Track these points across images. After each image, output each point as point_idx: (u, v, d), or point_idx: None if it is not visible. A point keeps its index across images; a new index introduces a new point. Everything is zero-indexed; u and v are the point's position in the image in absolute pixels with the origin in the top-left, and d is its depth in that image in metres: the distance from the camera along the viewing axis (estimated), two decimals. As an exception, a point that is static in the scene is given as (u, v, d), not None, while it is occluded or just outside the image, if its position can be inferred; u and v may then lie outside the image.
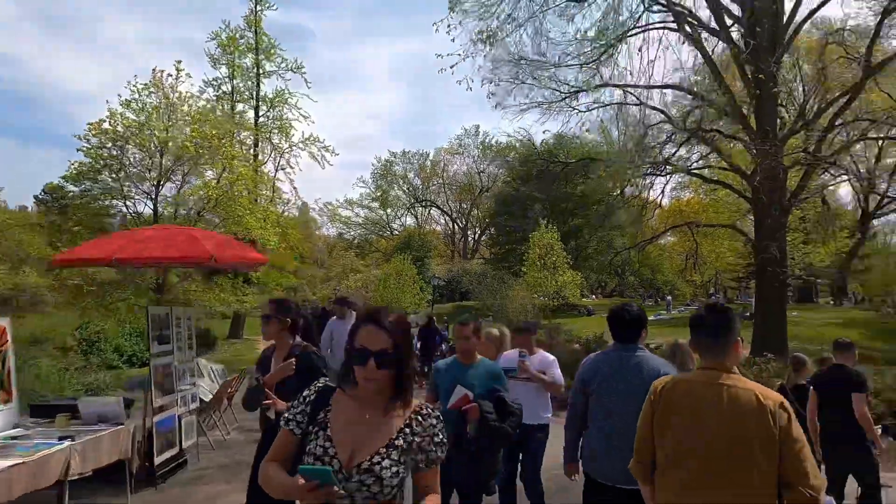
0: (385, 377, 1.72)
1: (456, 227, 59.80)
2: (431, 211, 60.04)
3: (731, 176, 17.63)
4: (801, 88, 24.44)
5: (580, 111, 17.96)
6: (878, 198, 37.60)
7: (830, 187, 28.45)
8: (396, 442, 1.73)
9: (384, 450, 1.71)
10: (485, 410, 3.52)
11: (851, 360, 5.12)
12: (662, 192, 35.39)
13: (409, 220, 59.39)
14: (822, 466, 4.97)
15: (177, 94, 14.65)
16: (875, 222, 40.15)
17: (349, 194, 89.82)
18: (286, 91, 22.60)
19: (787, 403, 2.16)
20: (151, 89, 14.35)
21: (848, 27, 17.97)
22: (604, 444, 3.22)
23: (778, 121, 16.45)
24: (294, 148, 22.99)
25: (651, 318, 27.46)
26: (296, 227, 22.81)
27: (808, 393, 5.36)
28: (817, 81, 17.31)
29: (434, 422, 1.80)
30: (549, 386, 4.62)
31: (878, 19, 15.69)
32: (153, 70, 14.63)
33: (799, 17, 15.99)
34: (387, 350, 1.69)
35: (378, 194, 56.91)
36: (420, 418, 1.79)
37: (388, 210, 58.26)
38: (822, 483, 2.12)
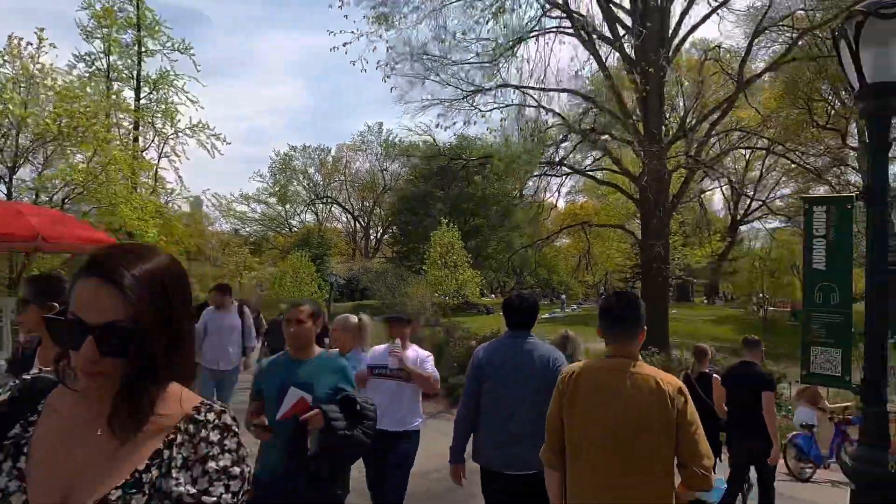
0: (117, 368, 1.00)
1: (358, 225, 58.83)
2: (332, 208, 58.66)
3: (621, 179, 18.53)
4: (682, 102, 26.44)
5: (482, 111, 18.15)
6: (746, 206, 41.64)
7: (707, 192, 30.99)
8: (145, 476, 1.01)
9: (119, 493, 0.98)
10: (330, 417, 2.77)
11: (759, 356, 5.44)
12: (558, 191, 37.09)
13: (309, 217, 57.68)
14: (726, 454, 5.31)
15: (38, 66, 13.02)
16: (742, 228, 44.55)
17: (245, 189, 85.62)
18: (172, 72, 20.91)
19: (684, 388, 2.28)
20: (6, 58, 12.65)
21: (723, 46, 19.58)
22: (496, 430, 3.20)
23: (663, 128, 17.55)
24: (180, 134, 21.32)
25: (546, 315, 28.65)
26: (180, 220, 21.09)
27: (711, 380, 5.72)
28: (696, 95, 18.72)
29: (215, 435, 1.08)
30: (424, 382, 4.12)
31: (748, 40, 17.17)
32: (9, 37, 12.91)
33: (684, 30, 17.11)
34: (117, 323, 0.98)
35: (276, 189, 54.67)
36: (192, 430, 1.07)
37: (287, 206, 56.15)
38: (712, 461, 2.24)
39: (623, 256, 34.32)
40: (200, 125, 21.78)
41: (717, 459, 5.37)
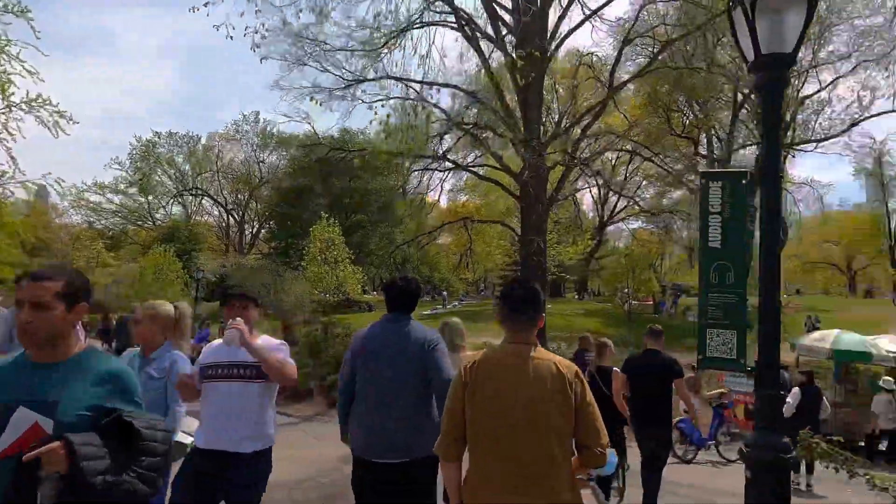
0: None
1: (231, 219, 55.31)
2: (203, 201, 54.67)
3: (501, 176, 18.86)
4: (556, 107, 27.71)
5: (364, 101, 17.57)
6: (612, 208, 44.82)
7: (579, 193, 32.87)
8: None
9: None
10: (81, 454, 1.73)
11: (662, 345, 5.54)
12: (441, 187, 37.50)
13: (177, 210, 53.32)
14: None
15: None
16: (609, 229, 47.96)
17: (101, 177, 77.49)
18: (3, 37, 18.10)
19: (580, 373, 2.32)
20: None
21: (596, 55, 20.65)
22: (375, 417, 3.06)
23: (541, 128, 18.09)
24: (14, 109, 18.51)
25: (427, 312, 28.71)
26: (9, 207, 18.33)
27: (611, 374, 5.83)
28: (571, 98, 19.62)
29: None
30: (277, 369, 3.01)
31: (619, 48, 18.16)
32: None
33: (561, 34, 17.70)
34: None
35: (137, 178, 49.84)
36: None
37: (150, 197, 51.45)
38: (608, 438, 2.31)
39: (502, 253, 35.34)
40: (40, 100, 19.08)
41: (621, 451, 5.69)
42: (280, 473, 3.42)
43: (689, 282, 46.12)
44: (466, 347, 4.76)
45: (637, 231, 45.05)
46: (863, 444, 10.58)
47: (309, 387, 11.53)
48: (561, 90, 28.75)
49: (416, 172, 22.20)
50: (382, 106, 16.91)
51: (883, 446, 10.35)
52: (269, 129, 50.43)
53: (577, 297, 46.75)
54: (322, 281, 27.27)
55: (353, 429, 3.17)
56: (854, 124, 30.32)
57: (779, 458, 2.44)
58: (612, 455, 3.97)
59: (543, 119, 21.60)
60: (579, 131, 17.25)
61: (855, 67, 28.30)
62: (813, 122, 31.30)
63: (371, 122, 17.43)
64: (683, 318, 30.71)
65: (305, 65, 16.88)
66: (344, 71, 17.16)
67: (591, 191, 42.87)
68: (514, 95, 17.65)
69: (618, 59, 18.14)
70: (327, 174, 37.99)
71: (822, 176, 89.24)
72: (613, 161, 37.31)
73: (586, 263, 36.97)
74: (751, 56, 2.64)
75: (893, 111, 29.10)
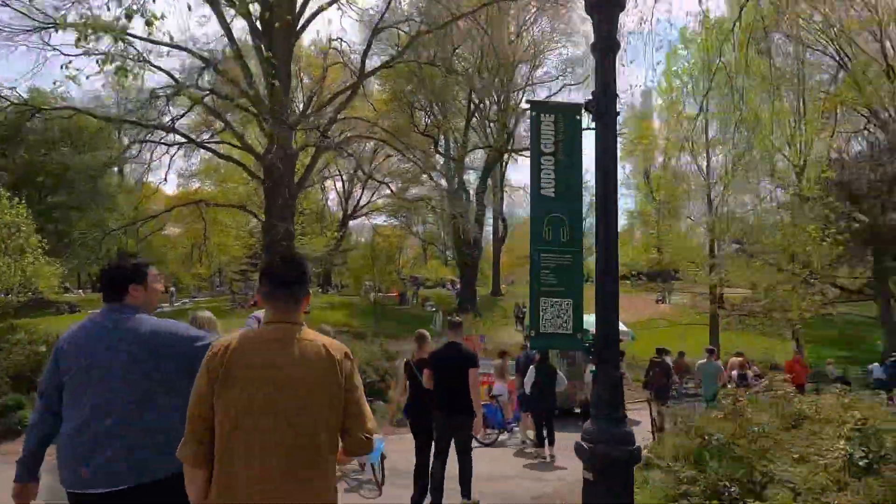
0: None
1: None
2: None
3: (245, 158, 17.12)
4: (301, 93, 26.61)
5: (65, 54, 14.09)
6: (355, 203, 45.31)
7: (330, 178, 32.35)
8: None
9: None
10: None
11: (461, 336, 5.92)
12: (169, 165, 32.73)
13: None
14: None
15: None
16: (351, 223, 48.43)
17: None
18: None
19: (350, 353, 2.16)
20: None
21: (345, 41, 20.25)
22: (89, 438, 2.38)
23: (288, 109, 16.88)
24: None
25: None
26: None
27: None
28: (321, 81, 18.83)
29: None
30: None
31: (369, 36, 18.00)
32: None
33: (309, 12, 16.76)
34: None
35: None
36: None
37: None
38: (375, 423, 2.18)
39: (242, 245, 32.72)
40: None
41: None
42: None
43: (424, 274, 49.61)
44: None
45: (378, 227, 46.38)
46: (578, 410, 12.29)
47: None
48: (306, 78, 27.79)
49: (138, 146, 18.68)
50: (99, 63, 13.78)
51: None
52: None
53: (320, 290, 46.15)
54: (1, 277, 21.65)
55: (61, 455, 2.49)
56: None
57: (627, 454, 2.06)
58: (378, 442, 3.65)
59: (291, 102, 20.42)
60: (330, 113, 16.55)
61: (561, 88, 33.41)
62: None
63: (69, 79, 14.06)
64: (422, 308, 32.57)
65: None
66: (33, 9, 13.57)
67: (335, 185, 42.73)
68: (260, 71, 16.17)
69: (368, 47, 17.97)
70: (12, 145, 30.44)
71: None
72: (360, 153, 37.64)
73: (331, 256, 36.61)
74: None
75: (589, 128, 35.22)
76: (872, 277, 26.38)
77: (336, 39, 20.39)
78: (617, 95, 2.46)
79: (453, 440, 5.68)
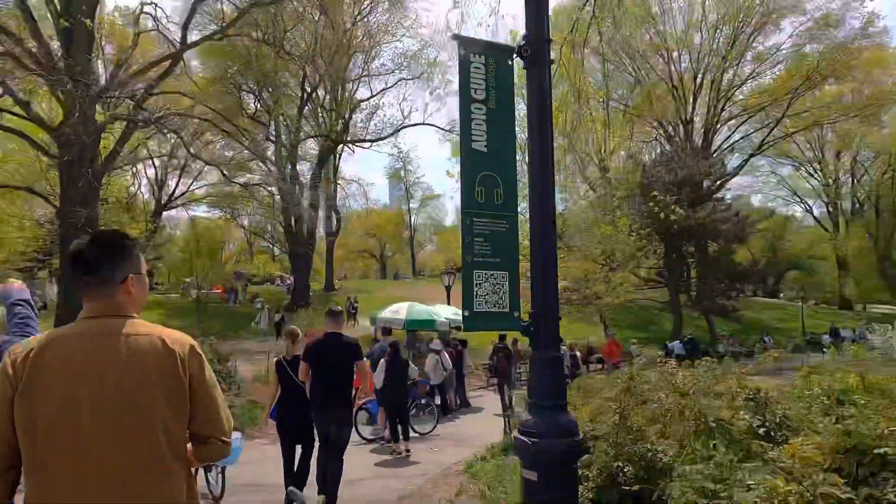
0: None
1: None
2: None
3: (32, 129, 14.33)
4: (103, 66, 23.28)
5: None
6: (170, 193, 41.03)
7: (144, 161, 28.98)
8: None
9: None
10: None
11: (341, 326, 5.64)
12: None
13: None
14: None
15: None
16: (165, 214, 43.75)
17: None
18: None
19: (198, 347, 1.88)
20: None
21: (162, 7, 18.12)
22: None
23: (92, 77, 14.49)
24: None
25: None
26: None
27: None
28: (132, 48, 16.56)
29: None
30: None
31: (193, 3, 16.23)
32: None
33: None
34: None
35: None
36: None
37: None
38: (232, 423, 1.96)
39: (26, 238, 27.74)
40: None
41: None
42: None
43: (251, 270, 46.65)
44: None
45: (198, 218, 42.51)
46: (423, 401, 12.20)
47: None
48: (109, 48, 24.41)
49: None
50: None
51: (437, 400, 12.03)
52: None
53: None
54: None
55: None
56: (397, 131, 35.83)
57: (573, 447, 1.83)
58: (236, 441, 3.12)
59: (93, 71, 17.73)
60: (143, 86, 14.56)
61: (397, 82, 33.51)
62: (366, 124, 35.66)
63: None
64: (251, 306, 30.60)
65: None
66: None
67: (146, 172, 38.30)
68: (54, 31, 13.66)
69: (191, 15, 16.21)
70: None
71: (366, 175, 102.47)
72: (172, 141, 34.14)
73: (143, 250, 32.67)
74: None
75: (423, 124, 35.84)
76: (664, 268, 30.63)
77: (150, 3, 18.16)
78: (550, 40, 2.27)
79: (329, 435, 5.31)
